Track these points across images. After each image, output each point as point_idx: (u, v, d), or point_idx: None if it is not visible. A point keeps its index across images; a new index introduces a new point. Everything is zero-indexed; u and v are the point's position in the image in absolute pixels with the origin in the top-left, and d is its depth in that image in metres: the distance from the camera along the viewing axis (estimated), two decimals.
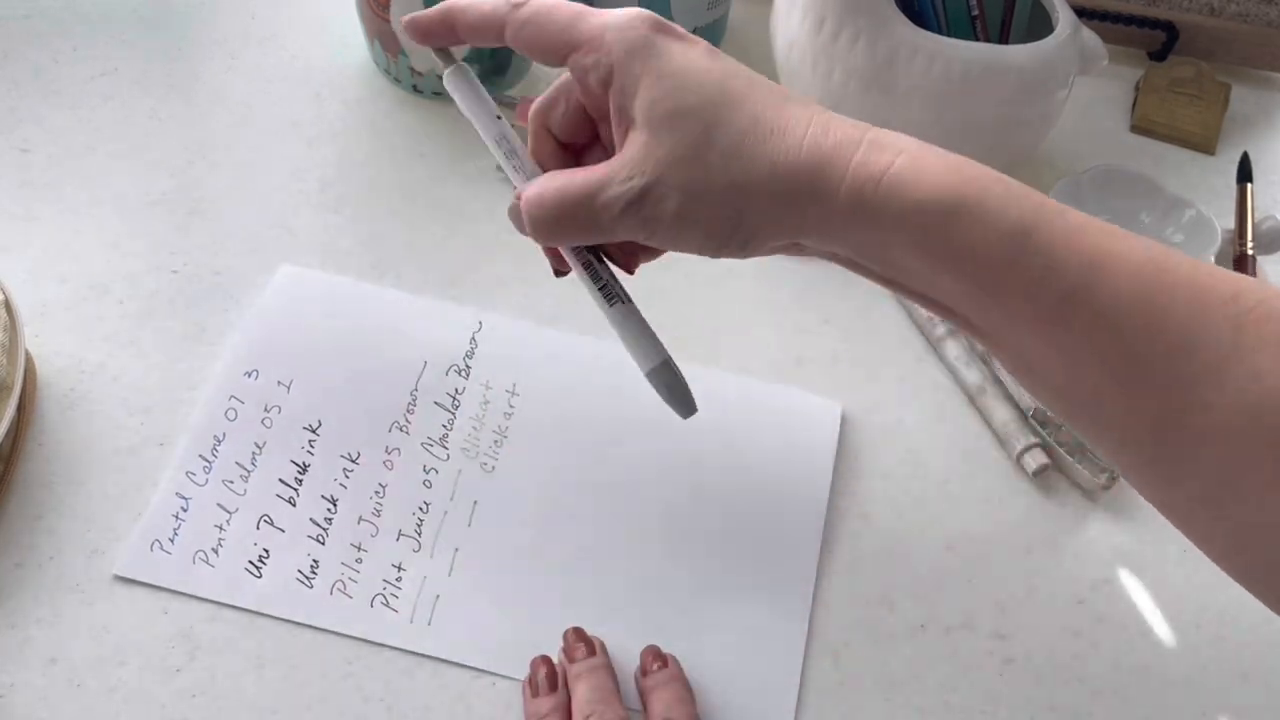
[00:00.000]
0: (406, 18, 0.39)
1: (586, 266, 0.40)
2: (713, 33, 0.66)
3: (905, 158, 0.36)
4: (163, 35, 0.63)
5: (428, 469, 0.47)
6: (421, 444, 0.48)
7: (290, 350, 0.50)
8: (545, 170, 0.40)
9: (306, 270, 0.53)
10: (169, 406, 0.48)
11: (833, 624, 0.45)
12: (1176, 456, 0.35)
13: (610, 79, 0.36)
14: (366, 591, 0.43)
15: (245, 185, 0.57)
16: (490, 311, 0.53)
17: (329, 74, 0.63)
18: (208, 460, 0.46)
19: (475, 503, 0.46)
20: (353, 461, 0.47)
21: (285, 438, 0.47)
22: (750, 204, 0.36)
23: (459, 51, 0.38)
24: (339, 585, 0.43)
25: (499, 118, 0.40)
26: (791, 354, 0.54)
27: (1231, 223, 0.59)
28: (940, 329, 0.54)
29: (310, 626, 0.42)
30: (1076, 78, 0.56)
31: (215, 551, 0.44)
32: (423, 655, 0.42)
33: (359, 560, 0.44)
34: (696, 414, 0.39)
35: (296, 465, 0.46)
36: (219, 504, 0.45)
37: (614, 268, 0.41)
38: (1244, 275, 0.36)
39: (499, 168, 0.58)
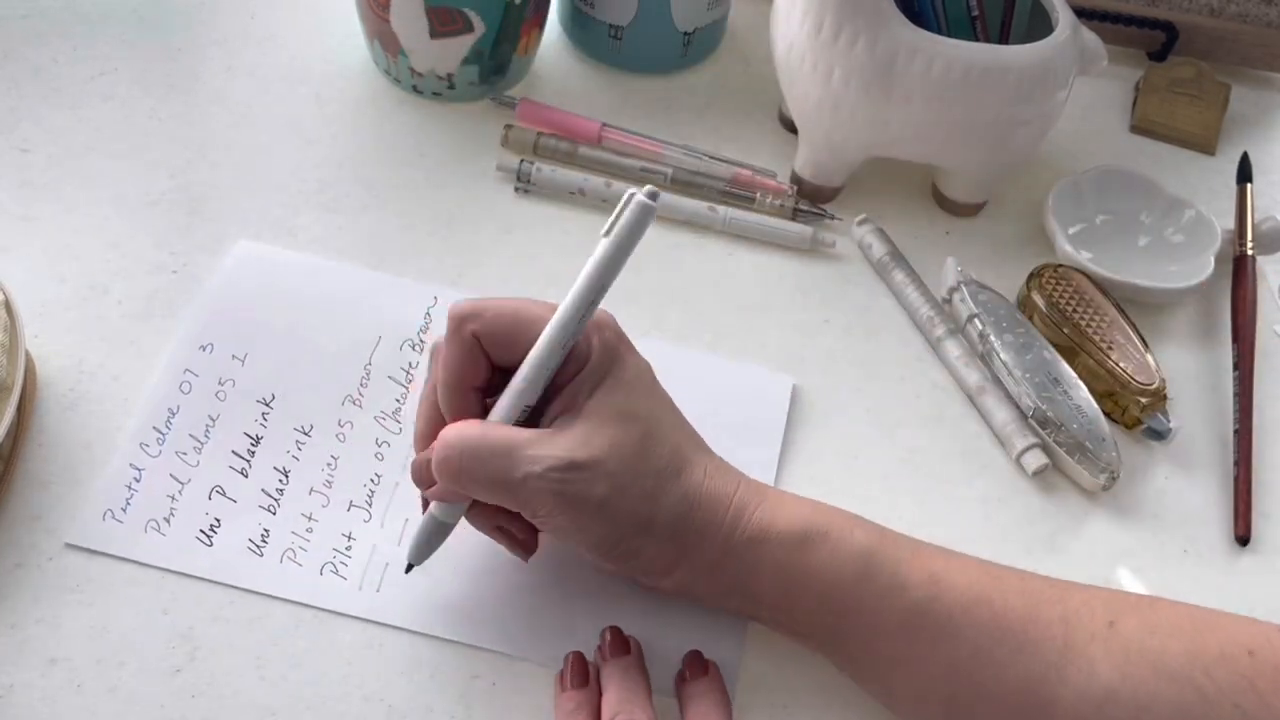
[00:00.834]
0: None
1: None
2: (713, 33, 0.66)
3: (771, 498, 0.41)
4: (163, 35, 0.63)
5: (380, 442, 0.47)
6: (375, 417, 0.48)
7: (245, 324, 0.50)
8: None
9: (262, 245, 0.54)
10: None
11: None
12: None
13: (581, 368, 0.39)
14: (316, 560, 0.44)
15: (245, 185, 0.57)
16: (446, 287, 0.53)
17: (329, 74, 0.63)
18: (161, 432, 0.46)
19: None
20: (305, 434, 0.47)
21: (238, 410, 0.48)
22: (652, 524, 0.39)
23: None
24: (289, 554, 0.44)
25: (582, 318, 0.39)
26: (791, 354, 0.54)
27: (1231, 223, 0.59)
28: (940, 329, 0.54)
29: (285, 603, 0.42)
30: (1076, 78, 0.56)
31: (167, 521, 0.44)
32: (373, 623, 0.42)
33: (309, 530, 0.45)
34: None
35: (249, 437, 0.47)
36: (171, 474, 0.45)
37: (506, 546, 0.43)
38: (1070, 582, 0.41)
39: (520, 181, 0.58)
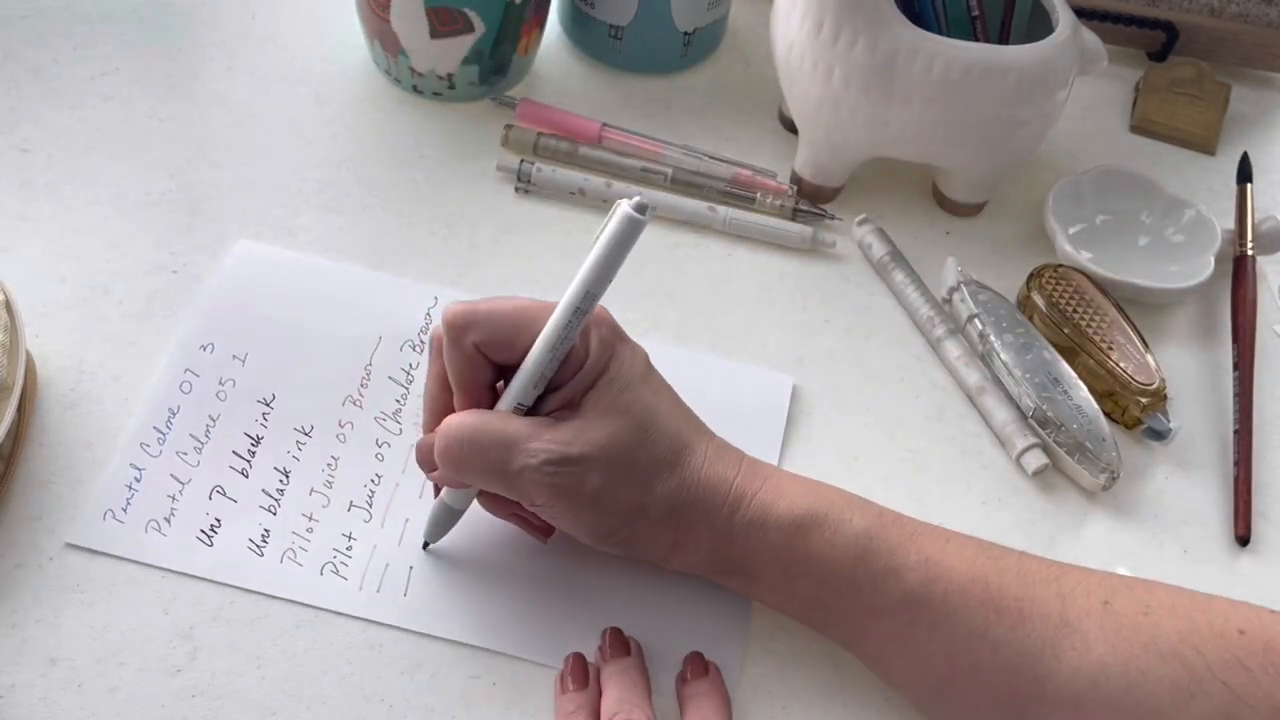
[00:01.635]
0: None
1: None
2: (713, 33, 0.66)
3: (772, 481, 0.41)
4: (163, 35, 0.63)
5: (380, 443, 0.48)
6: (375, 418, 0.48)
7: (245, 324, 0.50)
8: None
9: (263, 245, 0.54)
10: None
11: None
12: None
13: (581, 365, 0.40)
14: (316, 560, 0.44)
15: (245, 185, 0.57)
16: (446, 287, 0.53)
17: (329, 74, 0.63)
18: (162, 432, 0.46)
19: None
20: (305, 434, 0.47)
21: (239, 410, 0.48)
22: (647, 512, 0.40)
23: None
24: (289, 554, 0.44)
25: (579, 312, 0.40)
26: (791, 354, 0.54)
27: (1231, 223, 0.59)
28: (940, 329, 0.54)
29: (285, 603, 0.42)
30: (1076, 78, 0.56)
31: (168, 521, 0.44)
32: (373, 623, 0.42)
33: (310, 530, 0.45)
34: None
35: (250, 437, 0.47)
36: (172, 474, 0.45)
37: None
38: (1067, 563, 0.41)
39: (520, 181, 0.58)
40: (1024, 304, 0.56)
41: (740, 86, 0.66)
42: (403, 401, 0.49)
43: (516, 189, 0.59)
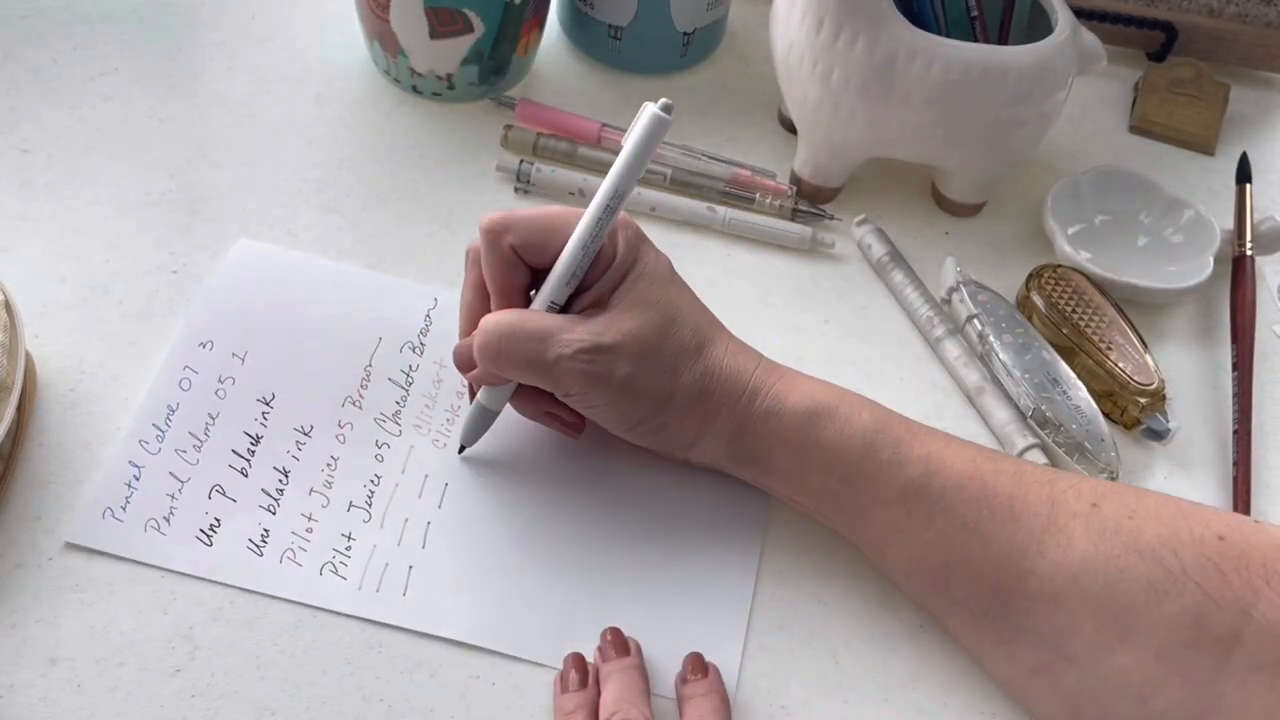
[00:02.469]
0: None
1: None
2: (712, 33, 0.66)
3: (788, 376, 0.45)
4: (163, 35, 0.63)
5: (380, 444, 0.48)
6: (374, 419, 0.48)
7: (245, 322, 0.50)
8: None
9: (263, 244, 0.54)
10: None
11: (832, 624, 0.45)
12: (1015, 625, 0.41)
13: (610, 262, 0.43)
14: (316, 560, 0.44)
15: (245, 185, 0.57)
16: (446, 288, 0.53)
17: (329, 74, 0.63)
18: (160, 429, 0.46)
19: (426, 477, 0.47)
20: (305, 434, 0.47)
21: (238, 409, 0.48)
22: (674, 399, 0.43)
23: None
24: (289, 554, 0.44)
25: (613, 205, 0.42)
26: (791, 354, 0.54)
27: (1231, 223, 0.60)
28: (939, 329, 0.54)
29: (285, 603, 0.42)
30: (1076, 78, 0.56)
31: (167, 520, 0.44)
32: (373, 623, 0.42)
33: (309, 530, 0.45)
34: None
35: (249, 436, 0.47)
36: (171, 473, 0.45)
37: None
38: (1059, 469, 0.43)
39: (520, 181, 0.58)
40: (1023, 304, 0.56)
41: (740, 86, 0.66)
42: (402, 404, 0.49)
43: (516, 189, 0.59)
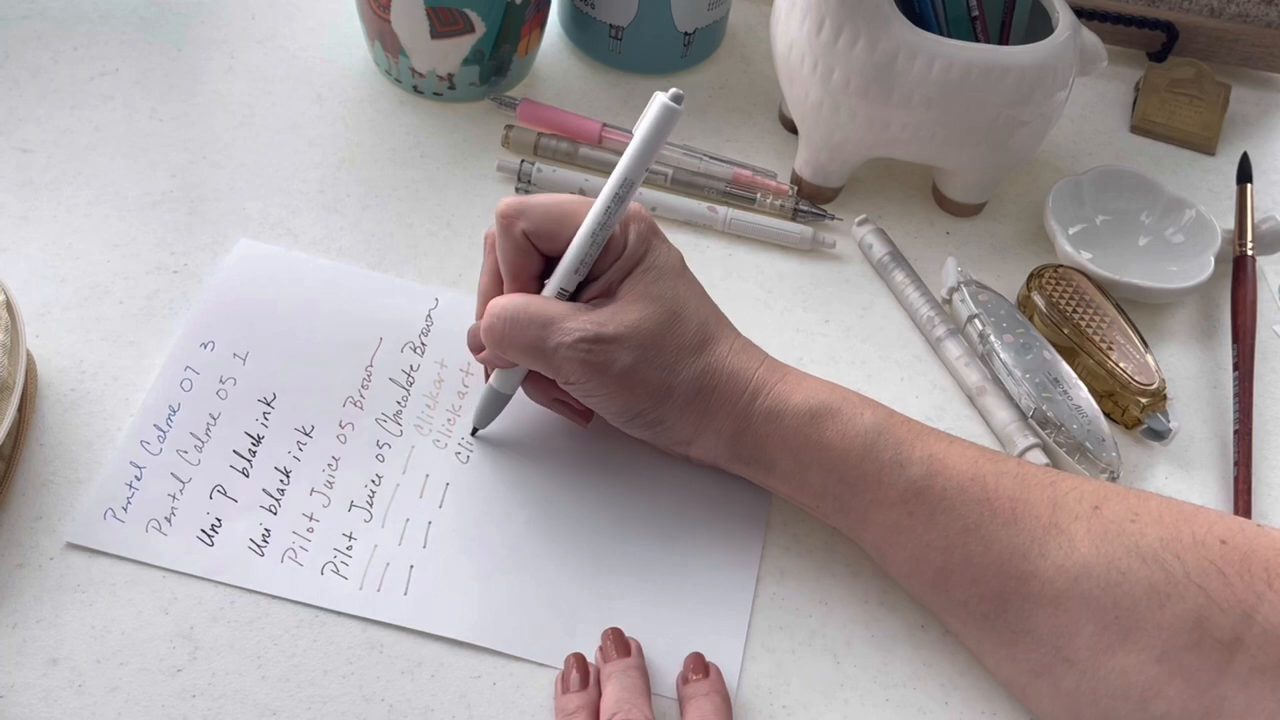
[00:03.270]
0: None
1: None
2: (713, 33, 0.66)
3: (791, 376, 0.44)
4: (163, 35, 0.63)
5: (380, 444, 0.48)
6: (375, 419, 0.48)
7: (246, 323, 0.50)
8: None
9: (264, 245, 0.54)
10: None
11: (832, 623, 0.45)
12: (1016, 627, 0.41)
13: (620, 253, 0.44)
14: (317, 560, 0.44)
15: (246, 185, 0.57)
16: (447, 288, 0.53)
17: (329, 74, 0.63)
18: (162, 430, 0.46)
19: (427, 477, 0.47)
20: (306, 434, 0.47)
21: (240, 409, 0.48)
22: (672, 394, 0.43)
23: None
24: (290, 554, 0.44)
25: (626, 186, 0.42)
26: (791, 354, 0.54)
27: (1231, 223, 0.60)
28: (940, 329, 0.54)
29: (285, 603, 0.42)
30: (1076, 78, 0.56)
31: (168, 520, 0.44)
32: (373, 623, 0.42)
33: (310, 530, 0.45)
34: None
35: (250, 437, 0.47)
36: (172, 473, 0.45)
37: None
38: (1061, 471, 0.43)
39: (521, 181, 0.58)
40: (1024, 304, 0.56)
41: (740, 86, 0.66)
42: (403, 404, 0.49)
43: (517, 189, 0.59)
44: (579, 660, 0.42)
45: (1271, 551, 0.38)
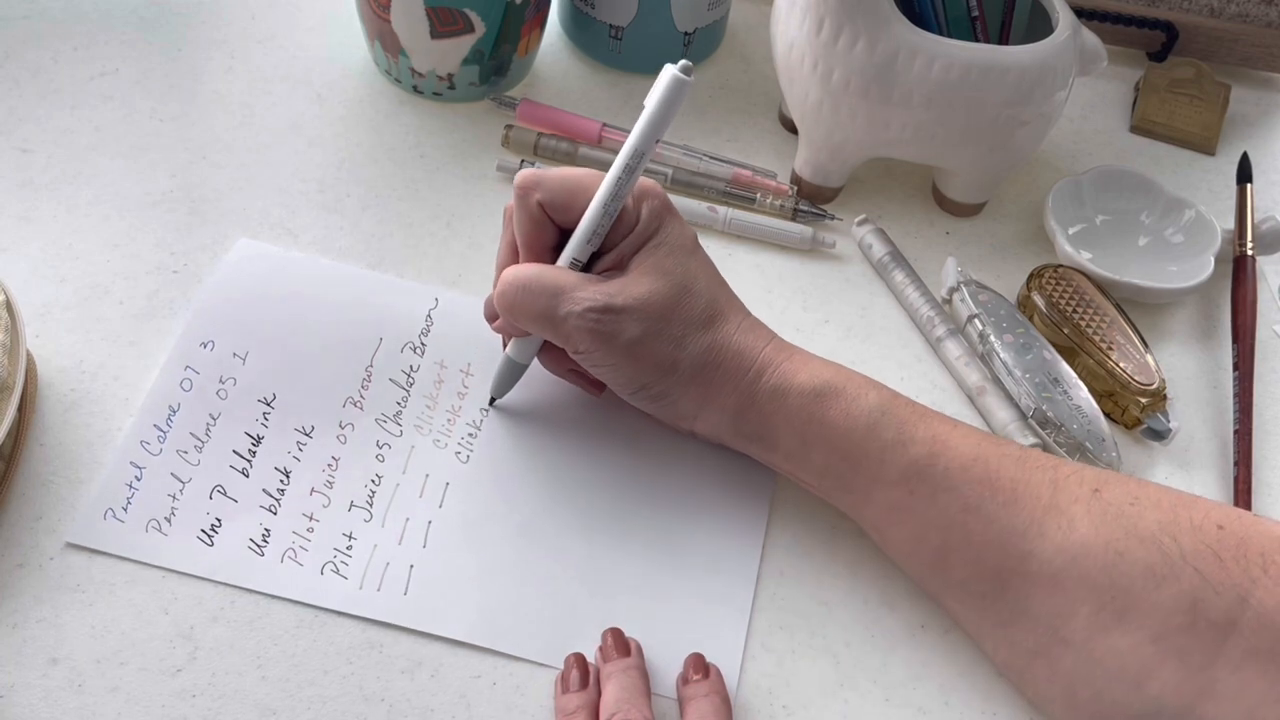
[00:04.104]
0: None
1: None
2: (713, 33, 0.66)
3: (798, 356, 0.45)
4: (163, 35, 0.63)
5: (380, 444, 0.48)
6: (375, 419, 0.48)
7: (246, 323, 0.50)
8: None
9: (264, 244, 0.54)
10: None
11: (832, 623, 0.45)
12: (1014, 606, 0.41)
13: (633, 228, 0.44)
14: (317, 560, 0.44)
15: (245, 185, 0.57)
16: (447, 288, 0.53)
17: (329, 74, 0.63)
18: (162, 430, 0.46)
19: (427, 476, 0.47)
20: (306, 434, 0.47)
21: (240, 409, 0.48)
22: (677, 368, 0.44)
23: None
24: (290, 553, 0.44)
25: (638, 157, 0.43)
26: None
27: (1231, 223, 0.60)
28: (940, 329, 0.54)
29: (285, 603, 0.42)
30: (1076, 78, 0.56)
31: (168, 520, 0.44)
32: (373, 623, 0.42)
33: (310, 530, 0.45)
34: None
35: (250, 437, 0.47)
36: (172, 473, 0.45)
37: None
38: (1063, 458, 0.44)
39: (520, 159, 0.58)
40: (1024, 304, 0.56)
41: (740, 86, 0.66)
42: (403, 404, 0.49)
43: None
44: (579, 660, 0.42)
45: (1267, 538, 0.38)
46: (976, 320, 0.54)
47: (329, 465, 0.47)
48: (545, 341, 0.46)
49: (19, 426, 0.45)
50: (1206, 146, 0.67)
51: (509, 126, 0.60)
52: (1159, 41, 0.71)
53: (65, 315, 0.50)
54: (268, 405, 0.48)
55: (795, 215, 0.59)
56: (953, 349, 0.54)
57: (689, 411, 0.45)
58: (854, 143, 0.57)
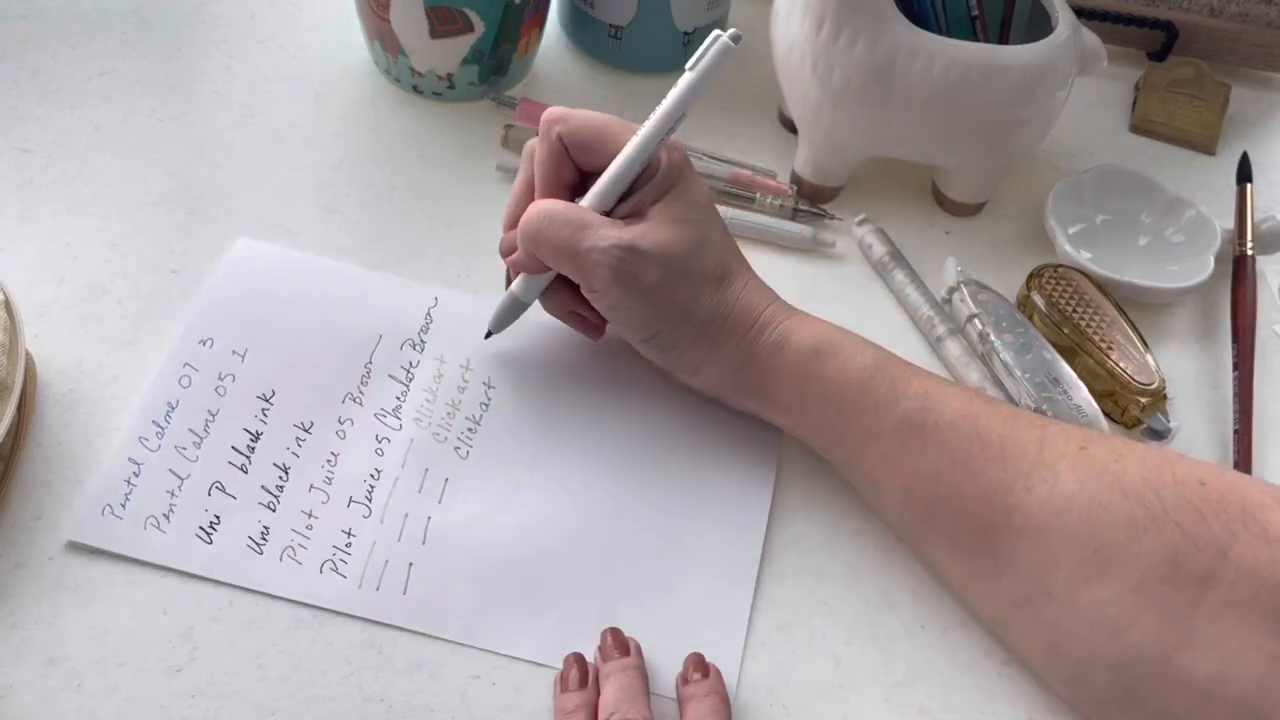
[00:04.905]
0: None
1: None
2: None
3: (799, 315, 0.46)
4: (163, 35, 0.63)
5: (380, 439, 0.48)
6: (375, 415, 0.48)
7: (245, 320, 0.50)
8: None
9: (263, 243, 0.54)
10: None
11: (832, 623, 0.45)
12: (1000, 559, 0.42)
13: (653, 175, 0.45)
14: (316, 558, 0.44)
15: (245, 185, 0.57)
16: (446, 287, 0.53)
17: (329, 74, 0.63)
18: (160, 426, 0.46)
19: (426, 471, 0.47)
20: (305, 431, 0.47)
21: (238, 406, 0.48)
22: (689, 319, 0.45)
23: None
24: (289, 551, 0.44)
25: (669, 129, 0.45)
26: None
27: (1231, 223, 0.60)
28: (940, 329, 0.54)
29: (285, 603, 0.42)
30: (1076, 78, 0.56)
31: (166, 517, 0.44)
32: (373, 623, 0.42)
33: (309, 527, 0.45)
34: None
35: (249, 433, 0.47)
36: (171, 470, 0.45)
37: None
38: (1051, 418, 0.45)
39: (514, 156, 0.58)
40: (1024, 304, 0.56)
41: (740, 86, 0.66)
42: (403, 399, 0.49)
43: None
44: (578, 659, 0.42)
45: (1248, 495, 0.39)
46: (976, 320, 0.54)
47: (328, 460, 0.47)
48: (550, 283, 0.47)
49: (18, 426, 0.45)
50: (1206, 146, 0.67)
51: (508, 126, 0.60)
52: (1159, 41, 0.71)
53: (64, 315, 0.50)
54: (267, 401, 0.48)
55: (795, 215, 0.59)
56: (953, 349, 0.54)
57: (693, 364, 0.46)
58: (854, 142, 0.57)
